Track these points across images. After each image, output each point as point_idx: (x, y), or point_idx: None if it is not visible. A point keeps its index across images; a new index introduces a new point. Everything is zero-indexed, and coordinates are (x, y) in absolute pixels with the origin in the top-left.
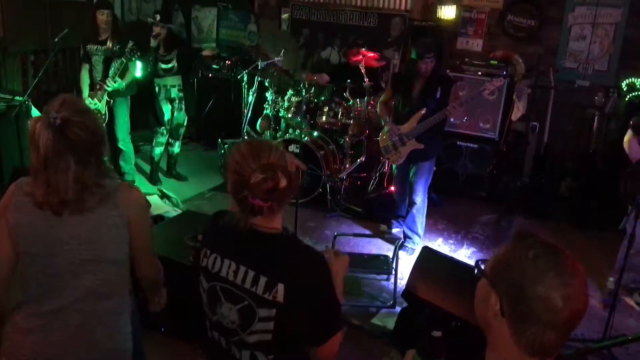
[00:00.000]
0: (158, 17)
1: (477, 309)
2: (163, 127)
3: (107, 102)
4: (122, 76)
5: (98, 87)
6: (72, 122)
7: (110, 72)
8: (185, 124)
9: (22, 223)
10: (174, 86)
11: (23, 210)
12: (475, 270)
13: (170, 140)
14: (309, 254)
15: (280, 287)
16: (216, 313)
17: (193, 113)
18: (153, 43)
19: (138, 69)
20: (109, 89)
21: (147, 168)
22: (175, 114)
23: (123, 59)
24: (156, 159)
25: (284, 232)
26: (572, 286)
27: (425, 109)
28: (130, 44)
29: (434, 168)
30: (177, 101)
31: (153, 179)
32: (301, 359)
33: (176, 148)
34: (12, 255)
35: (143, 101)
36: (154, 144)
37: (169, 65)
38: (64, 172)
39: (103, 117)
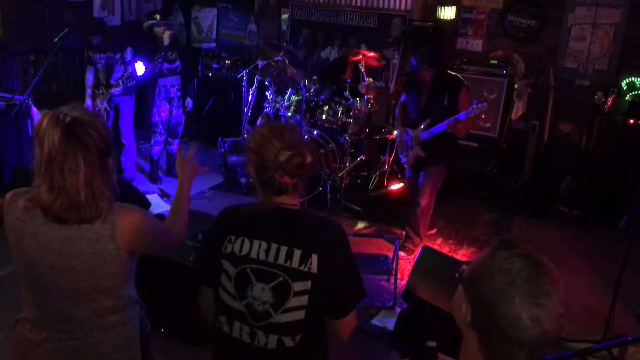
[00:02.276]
0: (158, 16)
1: (454, 312)
2: (161, 126)
3: (105, 109)
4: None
5: (100, 91)
6: (84, 121)
7: (114, 79)
8: (183, 122)
9: (16, 246)
10: (173, 86)
11: (16, 234)
12: (457, 274)
13: (169, 139)
14: (333, 223)
15: (314, 258)
16: (246, 297)
17: (193, 112)
18: (166, 40)
19: (140, 69)
20: (117, 93)
21: (147, 167)
22: (173, 113)
23: (121, 82)
24: (155, 157)
25: (304, 208)
26: (543, 307)
27: (429, 118)
28: (127, 73)
29: (445, 174)
30: (175, 100)
31: (153, 178)
32: (323, 341)
33: (175, 147)
34: None
35: (142, 100)
36: (152, 143)
37: (174, 66)
38: (74, 172)
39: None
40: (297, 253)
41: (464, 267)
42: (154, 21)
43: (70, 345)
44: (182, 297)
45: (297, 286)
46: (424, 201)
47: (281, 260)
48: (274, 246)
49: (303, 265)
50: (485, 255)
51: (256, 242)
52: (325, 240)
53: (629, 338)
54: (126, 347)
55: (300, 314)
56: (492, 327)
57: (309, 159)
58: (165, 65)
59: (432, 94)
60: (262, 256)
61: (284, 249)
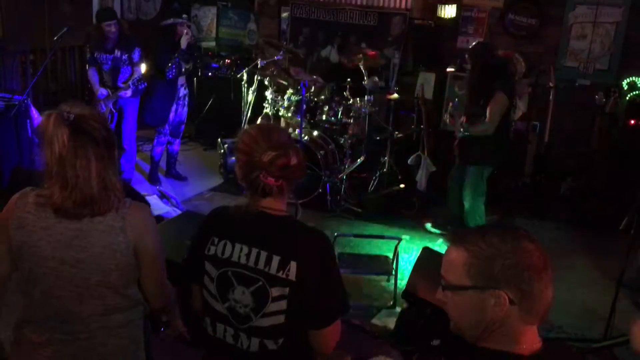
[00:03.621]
0: (185, 16)
1: (469, 321)
2: (167, 127)
3: (111, 111)
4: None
5: (108, 93)
6: (87, 116)
7: (121, 81)
8: (185, 120)
9: (26, 241)
10: (182, 85)
11: (27, 228)
12: (449, 293)
13: (170, 138)
14: (318, 233)
15: (293, 265)
16: (228, 299)
17: (192, 112)
18: (183, 44)
19: (144, 69)
20: (127, 96)
21: (146, 168)
22: (178, 111)
23: (131, 83)
24: (157, 158)
25: (291, 215)
26: (535, 240)
27: (464, 116)
28: (139, 75)
29: (482, 174)
30: (182, 98)
31: (152, 179)
32: (306, 348)
33: (176, 146)
34: (8, 272)
35: (143, 101)
36: (155, 144)
37: (190, 64)
38: (85, 167)
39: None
40: (276, 259)
41: (445, 283)
42: (179, 20)
43: (75, 347)
44: (182, 297)
45: (275, 291)
46: (466, 203)
47: (261, 265)
48: (254, 251)
49: (281, 272)
50: (467, 252)
51: (238, 246)
52: (307, 250)
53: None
54: (131, 348)
55: (279, 319)
56: (528, 287)
57: (293, 161)
58: (183, 64)
59: (474, 92)
60: (243, 260)
61: (263, 254)
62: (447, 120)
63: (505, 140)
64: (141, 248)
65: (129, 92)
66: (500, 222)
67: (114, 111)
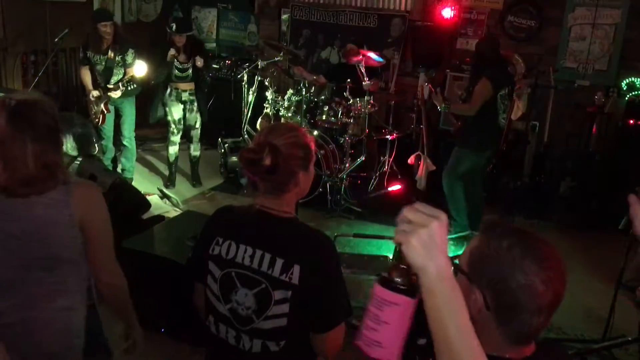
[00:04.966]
0: (174, 26)
1: None
2: (173, 127)
3: (102, 112)
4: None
5: (99, 93)
6: (29, 103)
7: (113, 81)
8: (199, 126)
9: None
10: (185, 90)
11: None
12: (452, 268)
13: (188, 143)
14: (321, 236)
15: (296, 269)
16: (230, 300)
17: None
18: (170, 57)
19: (140, 70)
20: (116, 97)
21: (149, 167)
22: (187, 115)
23: (120, 84)
24: (171, 159)
25: (295, 217)
26: (550, 269)
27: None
28: (128, 76)
29: (464, 159)
30: (188, 103)
31: (170, 180)
32: (309, 350)
33: (193, 151)
34: None
35: (145, 100)
36: (168, 144)
37: (185, 74)
38: (21, 149)
39: (98, 120)
40: (279, 262)
41: (457, 259)
42: (170, 30)
43: (11, 331)
44: (182, 297)
45: (278, 294)
46: (444, 185)
47: (264, 267)
48: (258, 252)
49: (284, 274)
50: (480, 239)
51: (242, 247)
52: (309, 253)
53: (629, 338)
54: (70, 338)
55: (282, 321)
56: (509, 301)
57: (266, 162)
58: (176, 72)
59: (470, 78)
60: (247, 262)
61: (267, 257)
62: (434, 98)
63: (492, 129)
64: (87, 222)
65: (118, 93)
66: (500, 221)
67: (106, 111)
